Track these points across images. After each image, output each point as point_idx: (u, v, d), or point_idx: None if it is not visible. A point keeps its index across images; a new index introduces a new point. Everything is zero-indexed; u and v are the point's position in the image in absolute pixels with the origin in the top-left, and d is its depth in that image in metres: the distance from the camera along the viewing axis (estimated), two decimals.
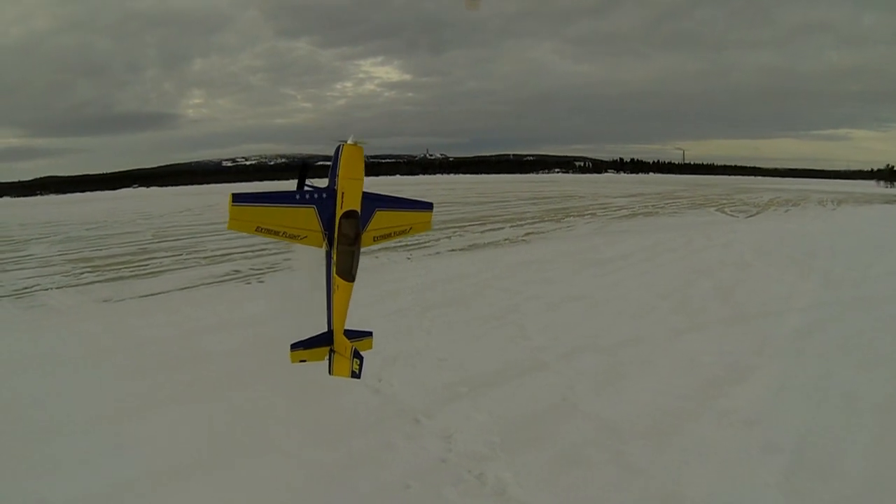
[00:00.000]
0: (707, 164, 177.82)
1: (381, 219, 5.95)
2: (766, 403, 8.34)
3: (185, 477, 6.43)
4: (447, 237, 27.17)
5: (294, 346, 5.49)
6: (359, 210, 5.67)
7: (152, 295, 16.15)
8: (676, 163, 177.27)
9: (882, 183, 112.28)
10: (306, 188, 5.88)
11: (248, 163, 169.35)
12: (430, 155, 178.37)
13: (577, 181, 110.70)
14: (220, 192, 70.24)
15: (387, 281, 16.77)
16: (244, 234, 5.09)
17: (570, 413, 7.90)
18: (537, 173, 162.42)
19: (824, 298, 14.68)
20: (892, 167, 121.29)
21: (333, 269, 5.69)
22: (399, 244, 23.93)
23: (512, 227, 31.11)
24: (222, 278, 18.37)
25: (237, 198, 5.25)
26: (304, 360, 5.54)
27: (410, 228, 6.10)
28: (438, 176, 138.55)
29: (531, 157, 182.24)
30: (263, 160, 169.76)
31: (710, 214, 42.08)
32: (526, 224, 32.59)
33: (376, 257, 20.85)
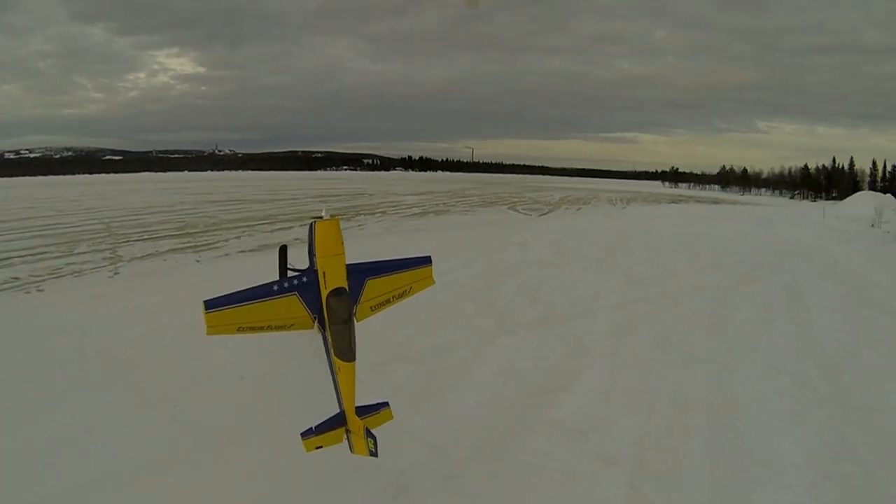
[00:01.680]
0: (496, 163, 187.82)
1: (374, 287, 6.23)
2: (595, 411, 8.49)
3: None
4: (236, 237, 26.66)
5: (305, 434, 5.47)
6: (346, 286, 5.91)
7: None
8: (465, 161, 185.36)
9: (667, 183, 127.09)
10: (289, 272, 6.27)
11: (31, 155, 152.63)
12: (220, 150, 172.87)
13: (366, 179, 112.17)
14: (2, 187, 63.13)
15: (178, 286, 15.97)
16: None
17: (392, 435, 7.43)
18: (325, 170, 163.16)
19: (630, 296, 15.71)
20: (677, 169, 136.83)
21: (332, 350, 5.81)
22: (186, 244, 23.77)
23: (302, 225, 30.47)
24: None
25: (210, 304, 5.37)
26: (320, 447, 5.54)
27: (410, 288, 6.43)
28: (227, 173, 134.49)
29: (320, 154, 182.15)
30: (49, 153, 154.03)
31: (502, 213, 44.23)
32: None
33: (164, 260, 20.30)
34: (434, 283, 6.45)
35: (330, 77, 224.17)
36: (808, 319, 13.83)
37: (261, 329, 5.71)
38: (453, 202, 52.25)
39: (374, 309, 6.24)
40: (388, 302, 6.32)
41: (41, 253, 21.27)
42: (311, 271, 5.98)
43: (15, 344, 10.97)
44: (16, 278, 17.17)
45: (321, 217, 6.06)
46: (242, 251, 22.84)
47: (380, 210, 41.80)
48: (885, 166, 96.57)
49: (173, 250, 22.26)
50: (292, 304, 5.74)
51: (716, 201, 79.23)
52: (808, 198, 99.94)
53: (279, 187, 73.17)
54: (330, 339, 5.85)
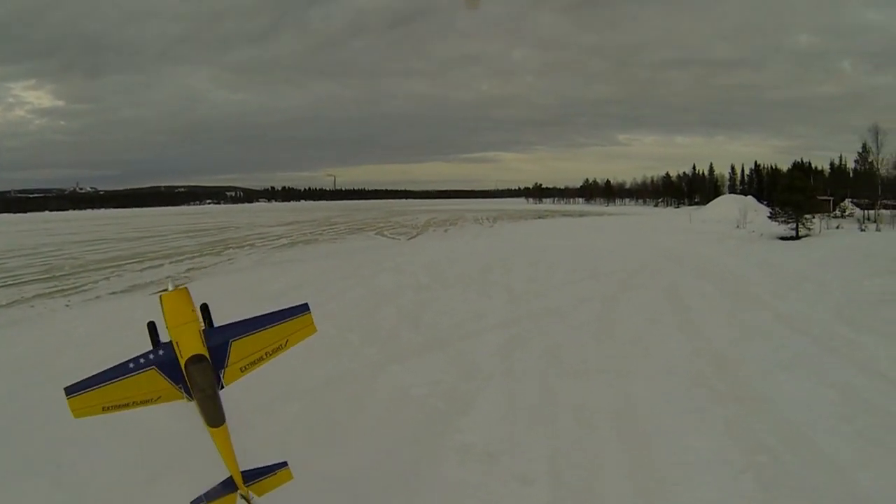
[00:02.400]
0: (358, 189, 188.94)
1: (242, 348, 5.70)
2: (501, 431, 8.29)
3: None
4: (105, 278, 25.53)
5: (195, 503, 5.39)
6: (205, 353, 5.54)
7: None
8: (328, 189, 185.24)
9: (531, 199, 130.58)
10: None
11: None
12: (81, 188, 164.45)
13: (230, 211, 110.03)
14: None
15: (47, 335, 15.00)
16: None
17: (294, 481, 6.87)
18: (189, 205, 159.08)
19: (515, 313, 15.79)
20: (540, 185, 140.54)
21: (202, 419, 5.53)
22: (53, 288, 22.81)
23: (171, 262, 29.78)
24: None
25: (70, 389, 5.30)
26: None
27: (287, 341, 5.79)
28: (89, 211, 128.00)
29: (182, 189, 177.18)
30: None
31: (371, 238, 44.08)
32: (185, 259, 31.54)
33: (31, 306, 19.21)
34: (316, 330, 5.85)
35: (190, 108, 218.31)
36: (692, 320, 14.38)
37: (127, 406, 5.54)
38: (320, 231, 51.84)
39: (245, 370, 5.76)
40: (260, 360, 5.82)
41: None
42: (167, 344, 5.61)
43: None
44: None
45: (167, 290, 5.64)
46: (113, 292, 21.88)
47: (248, 243, 41.11)
48: (742, 170, 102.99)
49: (40, 295, 21.15)
50: (153, 379, 5.50)
51: (582, 214, 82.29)
52: (671, 204, 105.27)
53: (144, 224, 70.89)
54: (197, 408, 5.61)
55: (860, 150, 61.69)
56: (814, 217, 36.70)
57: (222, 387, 5.72)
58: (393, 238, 43.57)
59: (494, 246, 34.29)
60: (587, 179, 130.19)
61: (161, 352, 5.55)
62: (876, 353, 11.14)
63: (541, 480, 6.86)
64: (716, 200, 67.54)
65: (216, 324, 5.54)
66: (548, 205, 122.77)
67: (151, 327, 5.83)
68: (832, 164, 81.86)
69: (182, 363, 5.54)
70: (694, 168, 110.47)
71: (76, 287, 22.84)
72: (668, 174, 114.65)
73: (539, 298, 17.61)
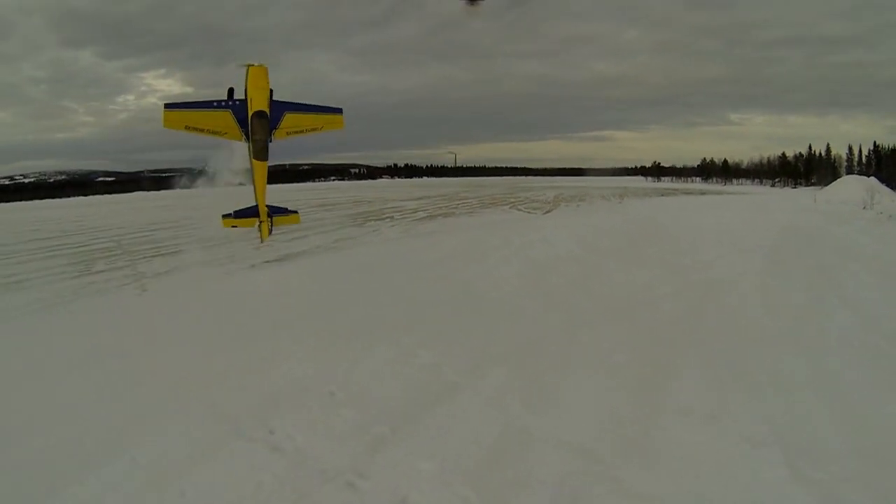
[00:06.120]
0: (479, 167, 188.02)
1: (290, 119, 8.69)
2: (712, 395, 8.42)
3: None
4: (255, 248, 23.91)
5: (226, 216, 8.56)
6: (267, 111, 8.39)
7: None
8: (449, 166, 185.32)
9: (650, 178, 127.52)
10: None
11: (26, 181, 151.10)
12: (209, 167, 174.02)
13: (357, 187, 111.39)
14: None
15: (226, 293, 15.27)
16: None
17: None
18: (314, 181, 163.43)
19: (680, 284, 15.76)
20: (659, 164, 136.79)
21: (250, 154, 8.51)
22: (210, 258, 22.34)
23: (316, 234, 30.22)
24: None
25: (169, 105, 8.07)
26: (234, 226, 8.82)
27: (322, 127, 8.98)
28: (220, 188, 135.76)
29: (307, 166, 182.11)
30: (43, 178, 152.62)
31: (506, 212, 44.09)
32: (329, 230, 31.73)
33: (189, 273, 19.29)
34: (342, 127, 8.91)
35: (313, 90, 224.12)
36: (852, 299, 13.89)
37: (202, 131, 8.30)
38: (454, 205, 51.96)
39: (289, 135, 8.62)
40: (301, 132, 8.75)
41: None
42: (243, 99, 8.50)
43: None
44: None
45: (252, 64, 8.35)
46: (267, 261, 21.97)
47: (386, 216, 41.37)
48: (860, 151, 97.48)
49: (194, 264, 21.11)
50: (226, 117, 8.26)
51: (702, 192, 79.68)
52: (788, 185, 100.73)
53: (276, 199, 72.45)
54: (250, 146, 8.39)
55: None
56: None
57: (271, 140, 8.49)
58: (528, 212, 43.56)
59: (630, 221, 33.75)
60: (704, 158, 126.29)
61: (237, 102, 8.41)
62: None
63: (767, 441, 6.98)
64: (839, 180, 64.21)
65: None
66: (666, 183, 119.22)
67: (230, 91, 8.51)
68: None
69: (249, 114, 8.29)
70: (810, 148, 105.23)
71: (230, 257, 22.63)
72: (783, 154, 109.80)
73: (696, 271, 17.43)
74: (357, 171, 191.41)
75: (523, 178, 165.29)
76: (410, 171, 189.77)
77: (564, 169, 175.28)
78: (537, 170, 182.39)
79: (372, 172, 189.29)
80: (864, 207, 38.91)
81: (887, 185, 48.69)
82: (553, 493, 6.11)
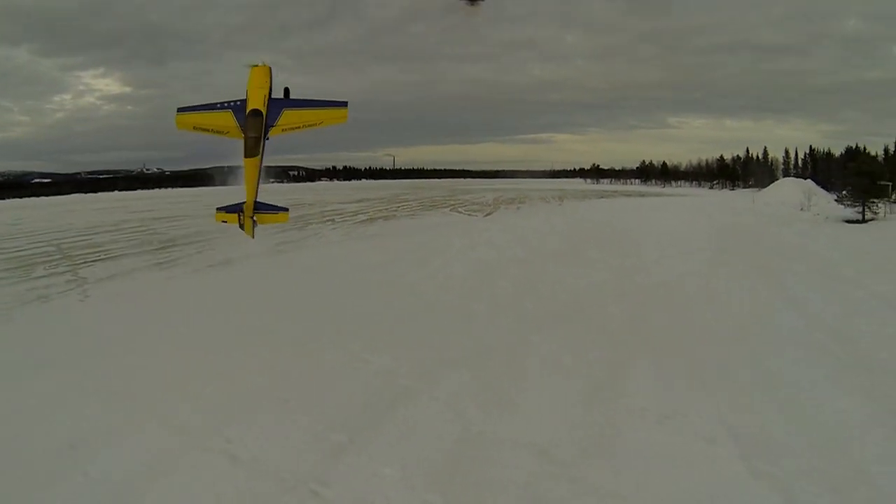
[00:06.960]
0: (418, 168, 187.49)
1: (289, 116, 8.76)
2: (668, 394, 8.59)
3: None
4: (198, 252, 24.35)
5: (219, 210, 8.86)
6: (263, 110, 8.62)
7: None
8: (388, 168, 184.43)
9: (589, 180, 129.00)
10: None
11: None
12: (147, 169, 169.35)
13: (296, 189, 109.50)
14: None
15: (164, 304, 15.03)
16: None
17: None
18: None
19: (625, 287, 16.09)
20: (598, 166, 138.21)
21: (242, 151, 8.69)
22: (149, 262, 21.47)
23: (258, 238, 29.00)
24: None
25: (180, 109, 8.89)
26: (224, 221, 8.98)
27: (323, 121, 8.82)
28: (157, 190, 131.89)
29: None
30: None
31: (447, 215, 44.00)
32: (271, 234, 30.89)
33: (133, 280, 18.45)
34: (346, 121, 8.69)
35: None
36: (794, 297, 14.48)
37: (207, 130, 8.78)
38: (394, 207, 51.56)
39: (285, 131, 8.69)
40: (299, 128, 8.74)
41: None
42: (244, 100, 8.69)
43: None
44: None
45: (256, 64, 8.80)
46: (210, 265, 21.15)
47: (327, 218, 40.63)
48: (796, 154, 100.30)
49: (137, 269, 20.23)
50: (228, 117, 8.67)
51: (642, 195, 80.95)
52: (726, 187, 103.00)
53: (215, 202, 70.71)
54: (243, 143, 8.54)
55: None
56: (879, 202, 35.97)
57: (268, 137, 8.64)
58: (469, 215, 43.53)
59: (572, 223, 34.11)
60: (643, 161, 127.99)
61: (238, 103, 8.69)
62: None
63: (720, 438, 7.16)
64: (777, 183, 65.95)
65: None
66: (605, 185, 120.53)
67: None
68: (886, 150, 79.36)
69: (246, 113, 8.55)
70: (747, 151, 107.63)
71: (171, 261, 22.12)
72: (721, 157, 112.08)
73: (641, 273, 17.80)
74: (296, 173, 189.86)
75: (462, 180, 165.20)
76: (350, 174, 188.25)
77: (503, 171, 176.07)
78: (476, 172, 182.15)
79: (311, 175, 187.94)
80: (802, 209, 40.14)
81: (823, 188, 50.34)
82: (517, 495, 6.16)
